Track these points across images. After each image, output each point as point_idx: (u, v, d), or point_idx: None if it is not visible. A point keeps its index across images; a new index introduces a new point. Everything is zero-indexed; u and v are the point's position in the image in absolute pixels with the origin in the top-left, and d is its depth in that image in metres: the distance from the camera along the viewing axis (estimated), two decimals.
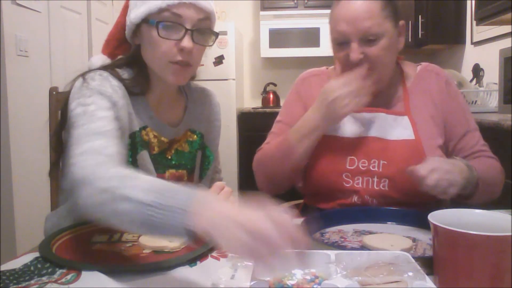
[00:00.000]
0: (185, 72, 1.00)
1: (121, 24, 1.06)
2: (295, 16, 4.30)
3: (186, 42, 0.95)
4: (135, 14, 0.97)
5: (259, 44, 4.42)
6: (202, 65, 1.06)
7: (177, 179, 1.09)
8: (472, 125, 1.20)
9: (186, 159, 1.12)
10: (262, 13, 4.32)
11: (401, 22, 1.14)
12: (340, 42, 1.11)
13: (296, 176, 1.25)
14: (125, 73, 1.04)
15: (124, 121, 0.96)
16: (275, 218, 0.57)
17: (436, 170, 0.95)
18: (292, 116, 1.25)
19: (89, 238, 0.91)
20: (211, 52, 4.09)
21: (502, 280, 0.61)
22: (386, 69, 1.14)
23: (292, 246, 0.56)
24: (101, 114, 0.88)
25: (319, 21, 4.21)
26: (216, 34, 1.02)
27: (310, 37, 4.29)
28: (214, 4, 1.01)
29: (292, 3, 4.29)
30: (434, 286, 0.59)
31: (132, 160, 1.00)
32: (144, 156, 1.03)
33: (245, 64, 4.81)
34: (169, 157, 1.08)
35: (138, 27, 0.99)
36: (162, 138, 1.06)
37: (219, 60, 4.09)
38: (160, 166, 1.06)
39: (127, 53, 1.07)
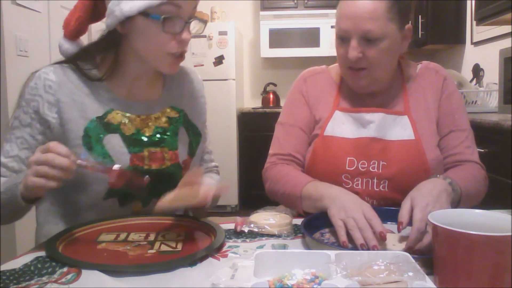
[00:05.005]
0: (179, 62, 1.03)
1: (90, 6, 1.03)
2: (295, 16, 4.30)
3: (186, 35, 0.98)
4: (130, 6, 0.93)
5: (259, 44, 4.43)
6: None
7: (158, 156, 1.06)
8: (460, 125, 1.16)
9: (167, 135, 1.08)
10: (262, 13, 4.32)
11: (408, 26, 1.12)
12: (342, 38, 1.11)
13: None
14: (93, 58, 1.06)
15: (62, 117, 1.00)
16: None
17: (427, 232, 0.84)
18: (296, 117, 1.23)
19: (95, 237, 0.91)
20: (211, 52, 4.09)
21: (502, 280, 0.61)
22: (384, 71, 1.13)
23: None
24: (18, 134, 1.01)
25: (319, 21, 4.22)
26: (205, 22, 1.04)
27: (310, 37, 4.29)
28: None
29: (292, 3, 4.30)
30: (434, 286, 0.59)
31: (97, 147, 1.00)
32: (111, 139, 1.01)
33: (245, 64, 4.81)
34: (148, 135, 1.05)
35: (129, 18, 0.95)
36: (134, 116, 1.05)
37: (219, 60, 4.09)
38: (136, 145, 1.04)
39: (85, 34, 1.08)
